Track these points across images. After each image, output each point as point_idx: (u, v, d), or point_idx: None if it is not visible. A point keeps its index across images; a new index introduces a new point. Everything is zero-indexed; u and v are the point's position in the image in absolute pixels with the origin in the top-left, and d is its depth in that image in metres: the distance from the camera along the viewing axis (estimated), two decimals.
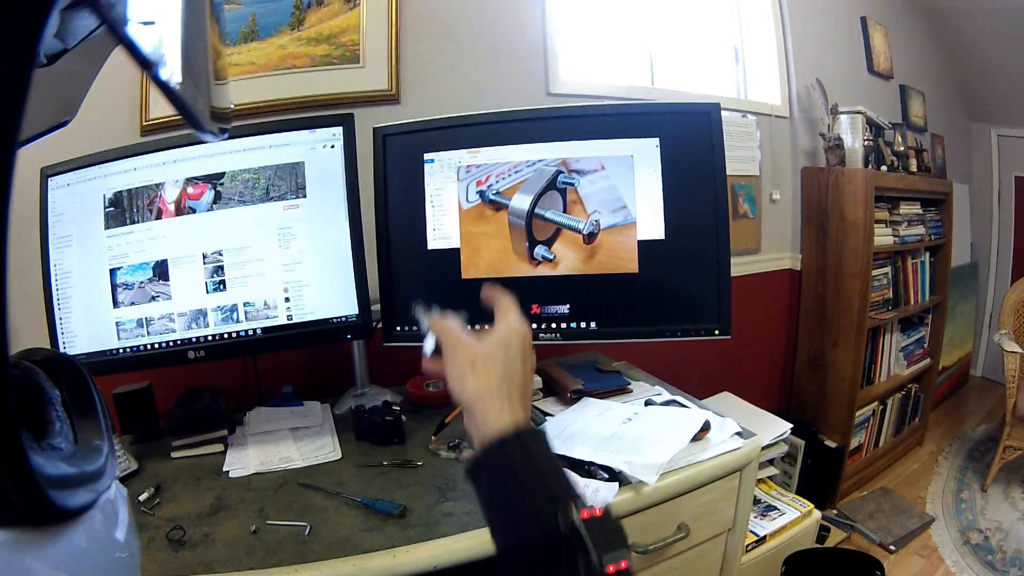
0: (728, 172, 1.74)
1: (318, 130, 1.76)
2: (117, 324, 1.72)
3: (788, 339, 3.67)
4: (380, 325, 1.89)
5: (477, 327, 0.91)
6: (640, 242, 1.73)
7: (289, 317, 1.75)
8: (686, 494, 1.60)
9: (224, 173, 1.72)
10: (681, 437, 1.63)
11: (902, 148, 3.73)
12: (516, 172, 1.77)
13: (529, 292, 1.75)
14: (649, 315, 1.75)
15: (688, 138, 1.74)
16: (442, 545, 1.32)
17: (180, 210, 1.72)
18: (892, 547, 3.11)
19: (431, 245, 1.82)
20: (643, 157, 1.73)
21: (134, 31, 0.34)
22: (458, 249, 1.80)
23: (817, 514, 2.65)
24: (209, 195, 1.72)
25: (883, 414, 3.82)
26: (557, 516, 0.68)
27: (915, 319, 4.05)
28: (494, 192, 1.77)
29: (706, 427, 1.69)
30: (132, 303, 1.72)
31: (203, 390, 1.85)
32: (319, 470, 1.64)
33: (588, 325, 1.77)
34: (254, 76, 2.19)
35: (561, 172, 1.74)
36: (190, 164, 1.73)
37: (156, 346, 1.73)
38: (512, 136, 1.78)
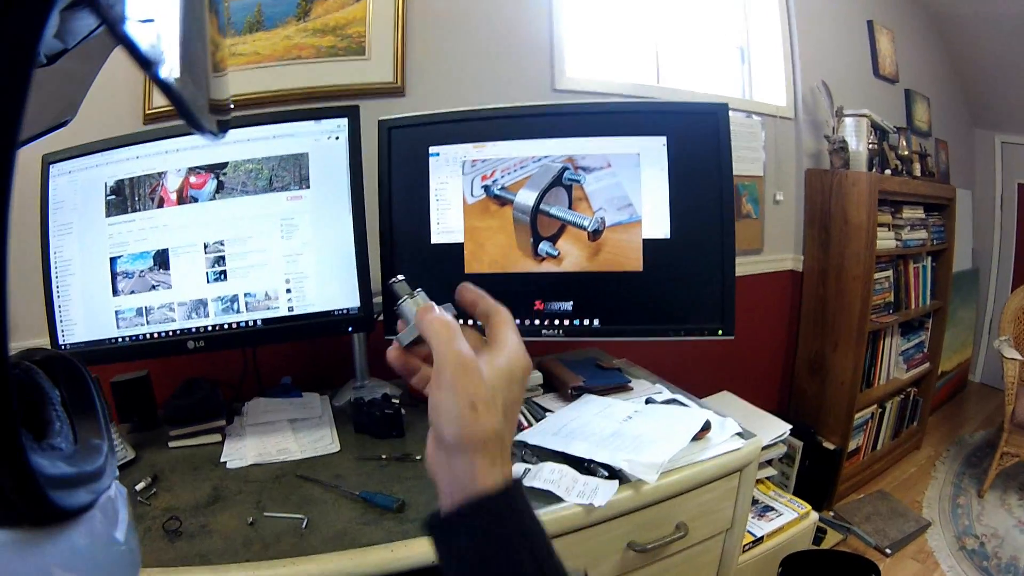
0: (733, 172, 1.74)
1: (323, 121, 1.75)
2: (116, 313, 1.71)
3: (788, 340, 3.67)
4: (381, 318, 1.89)
5: (470, 323, 0.74)
6: (645, 241, 1.73)
7: (290, 309, 1.75)
8: (686, 493, 1.60)
9: (227, 163, 1.71)
10: (682, 436, 1.63)
11: (906, 152, 3.73)
12: (522, 168, 1.76)
13: (533, 288, 1.75)
14: (652, 314, 1.74)
15: (695, 138, 1.73)
16: None
17: (182, 199, 1.71)
18: (888, 550, 3.11)
19: (435, 239, 1.81)
20: (650, 156, 1.72)
21: (133, 30, 0.34)
22: (462, 244, 1.80)
23: (814, 515, 2.66)
24: (212, 185, 1.71)
25: (881, 417, 3.82)
26: None
27: (915, 323, 4.05)
28: (499, 187, 1.76)
29: (707, 427, 1.68)
30: (132, 292, 1.71)
31: (202, 380, 1.84)
32: (317, 462, 1.63)
33: (591, 323, 1.77)
34: (259, 66, 2.18)
35: (567, 168, 1.74)
36: (193, 153, 1.72)
37: (155, 335, 1.72)
38: (518, 131, 1.77)
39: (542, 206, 1.73)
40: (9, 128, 0.29)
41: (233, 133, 1.70)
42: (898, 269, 3.71)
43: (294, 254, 1.74)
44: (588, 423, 1.68)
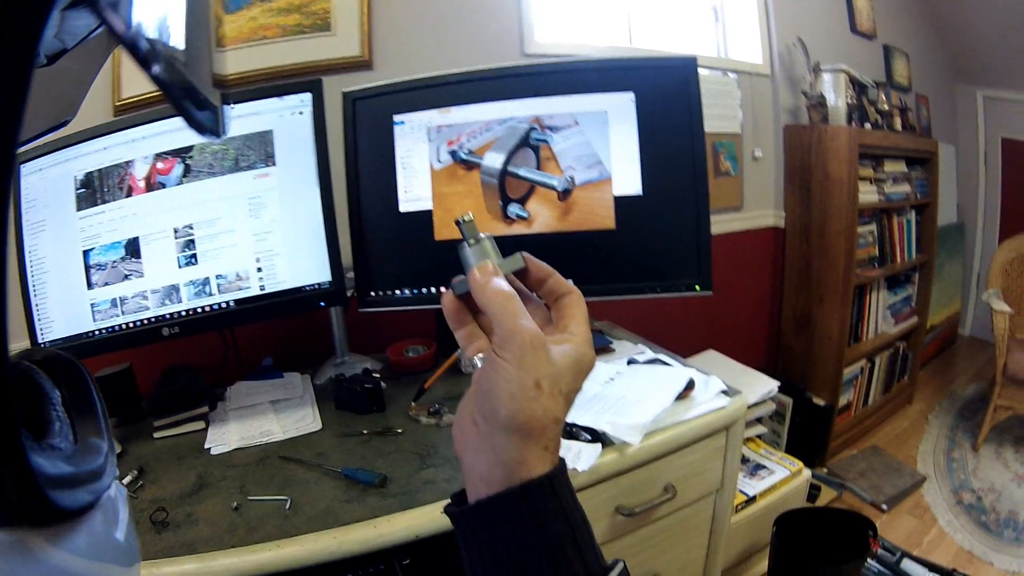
0: (709, 130, 1.72)
1: (286, 97, 1.74)
2: (92, 306, 1.70)
3: (773, 297, 3.68)
4: (353, 293, 1.88)
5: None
6: (617, 198, 1.71)
7: (262, 287, 1.74)
8: (672, 454, 1.59)
9: (193, 146, 1.70)
10: (665, 396, 1.62)
11: (886, 106, 3.72)
12: (488, 131, 1.74)
13: (505, 251, 1.70)
14: (628, 272, 1.73)
15: (664, 92, 1.71)
16: (423, 514, 1.32)
17: (150, 186, 1.70)
18: (884, 506, 3.11)
19: (403, 208, 1.80)
20: (618, 112, 1.70)
21: (133, 31, 0.34)
22: (430, 211, 1.78)
23: (807, 473, 2.66)
24: (178, 169, 1.70)
25: (871, 372, 3.82)
26: None
27: (902, 277, 4.05)
28: (466, 151, 1.74)
29: (690, 385, 1.68)
30: (106, 283, 1.70)
31: (182, 368, 1.84)
32: (300, 442, 1.63)
33: None
34: (225, 49, 2.15)
35: (534, 129, 1.72)
36: (159, 139, 1.70)
37: (131, 325, 1.71)
38: (483, 94, 1.76)
39: (510, 168, 1.71)
40: (9, 128, 0.29)
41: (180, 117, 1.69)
42: (882, 223, 3.70)
43: (263, 232, 1.73)
44: None
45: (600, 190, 1.71)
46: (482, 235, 0.64)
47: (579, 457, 1.45)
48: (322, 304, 1.80)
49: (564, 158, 1.72)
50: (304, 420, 1.72)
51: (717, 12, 3.37)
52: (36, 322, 1.69)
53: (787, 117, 3.46)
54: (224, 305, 1.73)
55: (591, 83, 1.72)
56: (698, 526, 1.80)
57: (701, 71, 1.72)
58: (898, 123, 3.87)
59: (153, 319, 1.71)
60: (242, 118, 1.72)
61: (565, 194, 1.71)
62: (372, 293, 1.83)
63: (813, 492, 2.86)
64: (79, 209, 1.69)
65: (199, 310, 1.72)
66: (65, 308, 1.70)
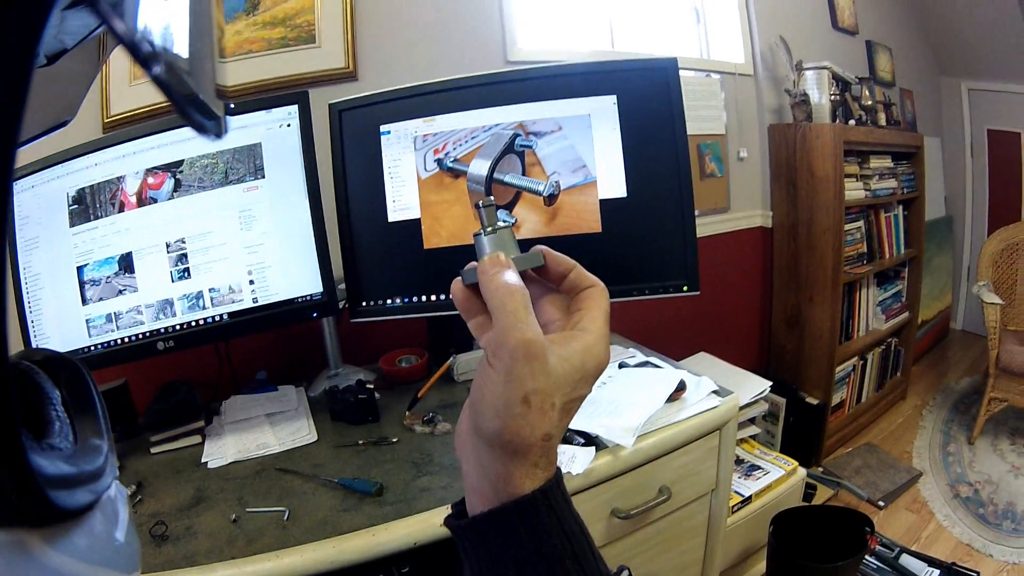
0: (693, 131, 1.73)
1: (273, 110, 1.75)
2: (87, 321, 1.70)
3: (763, 297, 3.69)
4: (345, 304, 1.89)
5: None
6: (602, 201, 1.72)
7: (255, 300, 1.74)
8: (665, 456, 1.61)
9: (183, 160, 1.70)
10: (656, 398, 1.63)
11: (870, 102, 3.73)
12: (473, 138, 1.75)
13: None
14: (616, 274, 1.73)
15: (646, 94, 1.72)
16: (420, 521, 1.32)
17: (142, 201, 1.70)
18: (881, 503, 3.12)
19: (392, 217, 1.80)
20: (601, 116, 1.71)
21: (134, 31, 0.33)
22: (419, 219, 1.79)
23: (802, 472, 2.66)
24: (169, 184, 1.70)
25: (863, 369, 3.84)
26: None
27: (891, 273, 4.06)
28: (452, 159, 1.75)
29: (681, 387, 1.69)
30: (100, 299, 1.70)
31: (178, 383, 1.84)
32: (296, 454, 1.64)
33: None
34: (227, 60, 2.16)
35: (518, 135, 1.73)
36: (149, 155, 1.71)
37: (126, 340, 1.71)
38: (467, 102, 1.76)
39: (496, 174, 1.72)
40: (9, 128, 0.28)
41: (186, 131, 1.69)
42: (869, 219, 3.71)
43: (254, 245, 1.73)
44: None
45: (585, 194, 1.72)
46: (501, 223, 0.60)
47: (573, 461, 1.46)
48: (314, 315, 1.81)
49: (549, 163, 1.73)
50: (300, 432, 1.73)
51: (699, 13, 3.38)
52: (32, 339, 1.69)
53: (771, 116, 3.47)
54: (218, 318, 1.73)
55: (574, 88, 1.73)
56: (694, 527, 1.80)
57: (684, 73, 1.73)
58: (883, 118, 3.89)
59: (148, 333, 1.71)
60: (231, 132, 1.71)
61: (551, 199, 1.72)
62: (363, 303, 1.84)
63: (809, 491, 2.87)
64: (72, 225, 1.69)
65: (193, 324, 1.73)
66: (60, 324, 1.70)
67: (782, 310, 3.59)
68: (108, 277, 1.70)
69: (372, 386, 1.78)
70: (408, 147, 1.78)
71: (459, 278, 0.60)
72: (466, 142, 1.75)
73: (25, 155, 1.66)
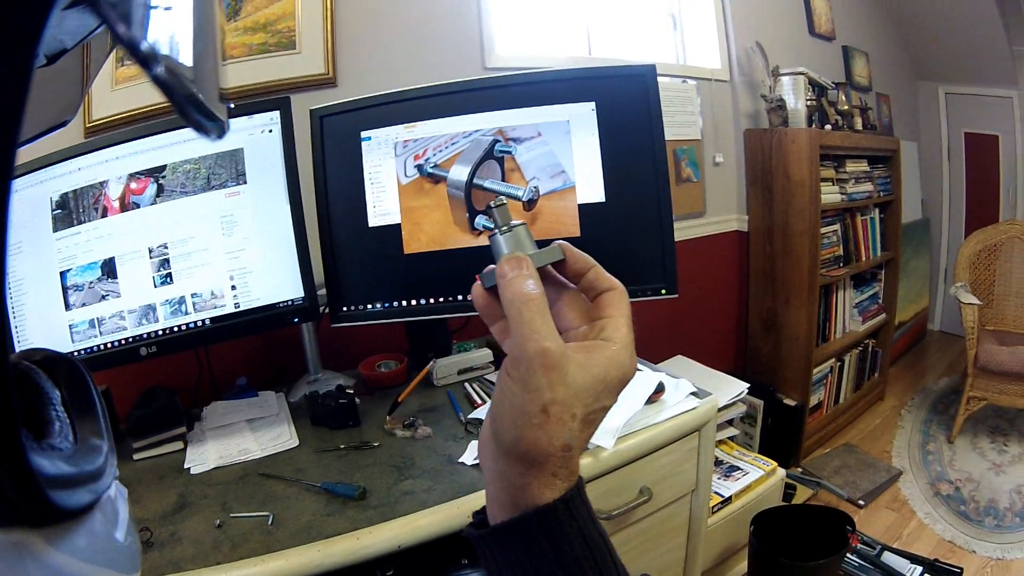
0: (670, 137, 1.75)
1: (255, 116, 1.74)
2: (70, 327, 1.70)
3: (740, 300, 3.72)
4: (326, 309, 1.90)
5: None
6: (581, 206, 1.74)
7: (236, 305, 1.74)
8: (645, 457, 1.62)
9: (166, 166, 1.70)
10: (636, 400, 1.65)
11: (846, 107, 3.77)
12: (453, 144, 1.76)
13: (473, 263, 1.71)
14: None
15: (625, 101, 1.74)
16: (404, 523, 1.33)
17: (125, 206, 1.69)
18: (861, 502, 3.15)
19: (372, 222, 1.81)
20: (580, 122, 1.73)
21: (134, 31, 0.34)
22: (399, 225, 1.80)
23: (781, 472, 2.68)
24: (152, 189, 1.70)
25: (841, 370, 3.87)
26: None
27: (868, 275, 4.11)
28: (432, 165, 1.76)
29: (660, 389, 1.70)
30: (83, 304, 1.69)
31: (159, 389, 1.82)
32: (278, 459, 1.63)
33: None
34: (228, 62, 2.16)
35: (498, 141, 1.74)
36: (132, 159, 1.70)
37: (109, 345, 1.70)
38: (448, 109, 1.77)
39: (475, 180, 1.73)
40: (9, 128, 0.29)
41: (169, 136, 1.70)
42: (845, 222, 3.75)
43: (236, 250, 1.73)
44: None
45: (564, 199, 1.74)
46: (515, 222, 0.58)
47: None
48: (295, 320, 1.81)
49: (528, 169, 1.74)
50: (281, 437, 1.72)
51: (675, 19, 3.41)
52: (16, 344, 1.68)
53: (747, 121, 3.51)
54: (200, 323, 1.73)
55: (552, 94, 1.75)
56: (676, 527, 1.82)
57: (660, 78, 1.75)
58: (859, 123, 3.93)
59: (131, 339, 1.70)
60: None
61: (530, 204, 1.73)
62: (344, 308, 1.84)
63: (789, 491, 2.89)
64: (56, 230, 1.69)
65: (176, 329, 1.72)
66: (44, 330, 1.69)
67: (758, 313, 3.62)
68: (91, 282, 1.69)
69: (352, 391, 1.78)
70: (389, 153, 1.79)
71: (478, 282, 0.58)
72: (446, 148, 1.76)
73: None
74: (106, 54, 0.67)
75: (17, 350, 1.48)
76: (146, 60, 0.33)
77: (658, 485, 1.66)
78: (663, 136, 1.73)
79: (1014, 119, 4.88)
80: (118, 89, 1.98)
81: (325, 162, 1.83)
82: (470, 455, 1.52)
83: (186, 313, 1.72)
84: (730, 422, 2.76)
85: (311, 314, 1.83)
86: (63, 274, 1.69)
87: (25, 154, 1.65)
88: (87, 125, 2.00)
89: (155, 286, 1.71)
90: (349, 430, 1.74)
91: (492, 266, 0.56)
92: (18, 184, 1.67)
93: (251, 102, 1.85)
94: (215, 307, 1.74)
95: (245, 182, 1.73)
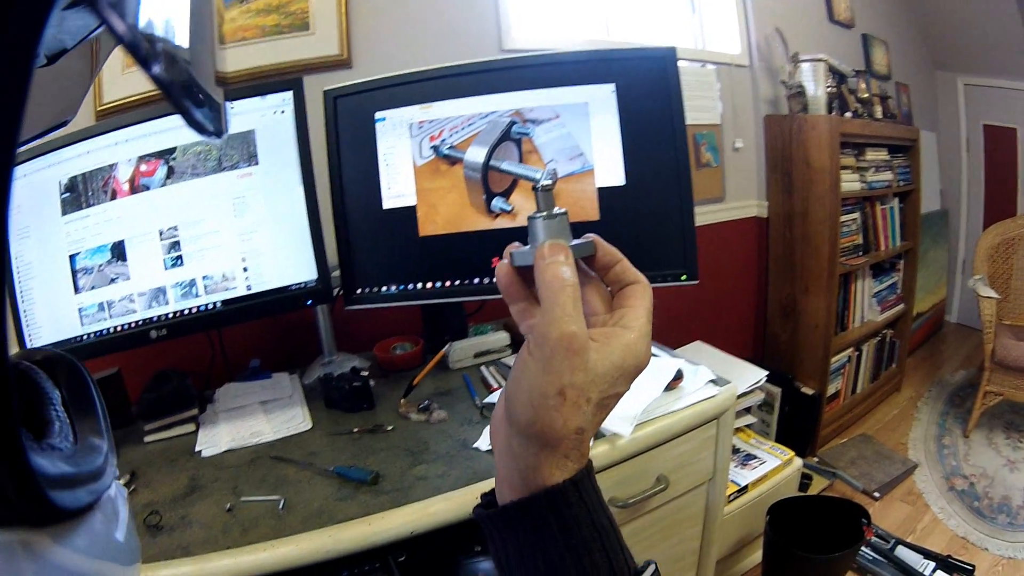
0: (689, 121, 1.72)
1: (267, 96, 1.73)
2: (80, 310, 1.69)
3: (759, 287, 3.69)
4: (340, 291, 1.88)
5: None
6: (600, 189, 1.71)
7: (248, 287, 1.73)
8: (663, 445, 1.60)
9: (176, 147, 1.69)
10: (654, 386, 1.63)
11: (866, 95, 3.73)
12: (469, 125, 1.74)
13: (490, 246, 1.73)
14: None
15: (645, 83, 1.71)
16: (417, 509, 1.31)
17: (134, 188, 1.69)
18: (876, 494, 3.12)
19: (386, 204, 1.79)
20: (599, 104, 1.70)
21: (133, 31, 0.34)
22: (414, 207, 1.78)
23: (798, 462, 2.67)
24: (162, 171, 1.69)
25: (859, 360, 3.84)
26: None
27: (886, 265, 4.07)
28: (448, 147, 1.74)
29: (679, 376, 1.68)
30: (93, 287, 1.69)
31: (171, 372, 1.82)
32: (290, 442, 1.63)
33: None
34: (226, 46, 2.15)
35: (515, 122, 1.71)
36: (142, 142, 1.69)
37: (119, 328, 1.70)
38: (464, 89, 1.75)
39: (492, 162, 1.70)
40: (9, 128, 0.29)
41: (178, 117, 1.68)
42: (865, 211, 3.71)
43: (248, 232, 1.72)
44: None
45: (583, 182, 1.71)
46: (558, 209, 0.59)
47: None
48: (309, 303, 1.79)
49: (546, 151, 1.71)
50: (294, 420, 1.72)
51: (694, 3, 3.37)
52: (24, 328, 1.68)
53: (767, 107, 3.47)
54: (211, 306, 1.72)
55: (571, 76, 1.72)
56: (691, 516, 1.80)
57: (680, 62, 1.72)
58: (879, 111, 3.89)
59: (141, 322, 1.70)
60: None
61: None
62: (358, 290, 1.83)
63: (804, 481, 2.87)
64: (64, 213, 1.68)
65: (186, 312, 1.71)
66: (52, 313, 1.69)
67: (777, 300, 3.59)
68: (100, 265, 1.68)
69: (367, 374, 1.77)
70: (404, 134, 1.77)
71: (505, 260, 0.59)
72: (462, 129, 1.74)
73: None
74: (107, 53, 0.66)
75: (26, 335, 1.49)
76: (146, 60, 0.34)
77: (675, 474, 1.65)
78: (684, 120, 1.70)
79: None
80: (129, 72, 1.97)
81: (339, 143, 1.81)
82: (485, 441, 1.51)
83: (197, 296, 1.72)
84: (748, 410, 2.75)
85: (324, 297, 1.81)
86: (72, 257, 1.68)
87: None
88: (98, 108, 2.00)
89: (165, 268, 1.70)
90: (363, 413, 1.73)
91: (521, 245, 0.58)
92: (26, 168, 1.67)
93: (263, 83, 1.84)
94: (226, 289, 1.73)
95: (257, 163, 1.72)
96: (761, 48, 3.36)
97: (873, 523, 2.37)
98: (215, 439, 1.66)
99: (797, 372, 3.44)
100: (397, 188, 1.78)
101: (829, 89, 3.34)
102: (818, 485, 3.13)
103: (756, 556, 2.59)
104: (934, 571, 2.52)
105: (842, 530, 2.30)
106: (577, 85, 1.71)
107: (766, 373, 2.68)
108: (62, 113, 0.70)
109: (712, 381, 1.71)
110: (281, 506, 1.34)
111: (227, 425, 1.72)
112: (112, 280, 1.69)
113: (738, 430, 2.72)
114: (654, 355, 1.82)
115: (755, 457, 2.62)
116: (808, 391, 3.29)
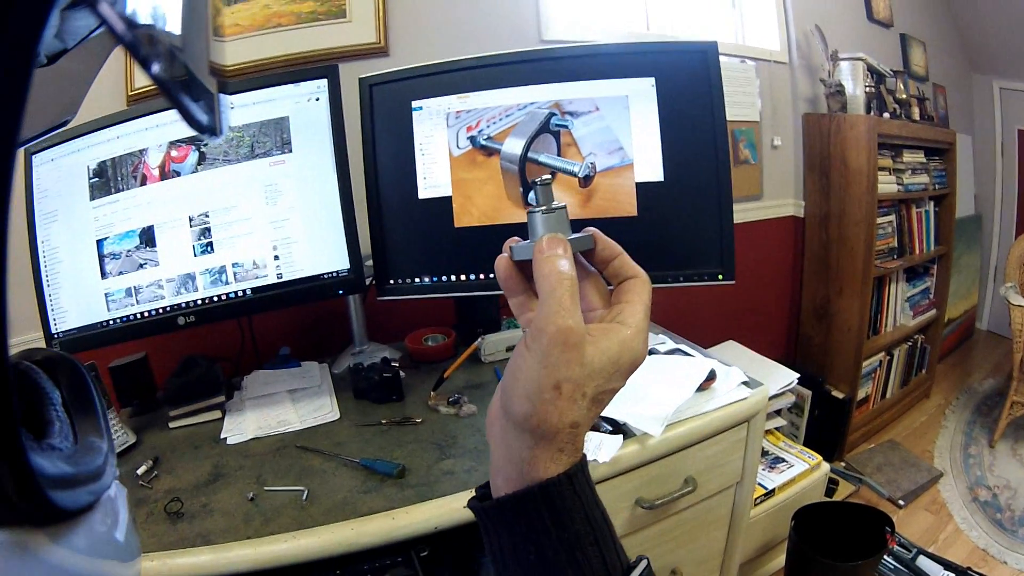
0: (728, 117, 1.69)
1: (302, 84, 1.72)
2: (106, 295, 1.69)
3: (793, 287, 3.66)
4: (372, 280, 1.86)
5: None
6: (638, 184, 1.68)
7: (279, 275, 1.72)
8: (693, 446, 1.59)
9: None
10: (686, 387, 1.61)
11: (904, 96, 3.68)
12: (507, 116, 1.72)
13: (526, 239, 1.68)
14: (650, 260, 1.68)
15: (685, 77, 1.68)
16: (442, 505, 1.31)
17: (164, 174, 1.69)
18: (901, 502, 3.09)
19: (422, 195, 1.77)
20: (639, 97, 1.67)
21: (134, 31, 0.34)
22: (450, 197, 1.76)
23: (826, 467, 2.65)
24: (193, 157, 1.69)
25: (890, 365, 3.79)
26: None
27: (920, 269, 4.02)
28: (485, 137, 1.72)
29: (711, 376, 1.67)
30: (120, 273, 1.69)
31: (199, 358, 1.83)
32: (317, 431, 1.63)
33: None
34: (240, 37, 2.16)
35: (554, 114, 1.69)
36: (173, 127, 1.69)
37: (146, 314, 1.70)
38: (502, 80, 1.73)
39: (530, 154, 1.68)
40: (9, 128, 0.29)
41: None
42: (900, 214, 3.66)
43: (280, 220, 1.71)
44: None
45: (621, 176, 1.68)
46: (557, 204, 0.59)
47: (600, 448, 1.44)
48: (340, 292, 1.78)
49: (585, 144, 1.69)
50: (322, 409, 1.72)
51: None
52: (49, 312, 1.68)
53: (805, 105, 3.43)
54: (241, 293, 1.71)
55: (611, 68, 1.69)
56: (718, 519, 1.79)
57: (720, 57, 1.69)
58: (916, 113, 3.85)
59: (169, 308, 1.70)
60: (257, 105, 1.70)
61: (587, 180, 1.68)
62: (391, 281, 1.81)
63: (831, 486, 2.84)
64: (92, 198, 1.68)
65: (215, 299, 1.71)
66: (79, 298, 1.69)
67: (811, 301, 3.55)
68: (129, 251, 1.68)
69: (397, 364, 1.77)
70: (440, 124, 1.75)
71: (504, 254, 0.60)
72: (500, 120, 1.72)
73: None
74: (107, 53, 0.66)
75: (51, 318, 1.50)
76: (146, 59, 0.34)
77: (703, 475, 1.63)
78: (724, 115, 1.67)
79: None
80: None
81: (374, 132, 1.80)
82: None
83: (226, 283, 1.71)
84: (778, 412, 2.72)
85: (357, 286, 1.80)
86: (100, 242, 1.69)
87: None
88: (129, 93, 2.01)
89: (195, 255, 1.70)
90: (392, 404, 1.73)
91: (520, 240, 0.60)
92: (54, 152, 1.68)
93: (297, 70, 1.83)
94: (256, 277, 1.72)
95: (290, 151, 1.71)
96: (800, 45, 3.32)
97: (896, 532, 2.35)
98: (241, 426, 1.66)
99: (828, 375, 3.41)
100: (433, 178, 1.76)
101: (868, 89, 3.30)
102: (844, 490, 3.09)
103: (779, 560, 2.56)
104: None
105: (865, 537, 2.27)
106: (617, 78, 1.68)
107: (797, 376, 2.65)
108: (62, 113, 0.71)
109: (744, 383, 1.68)
110: (304, 497, 1.34)
111: (254, 413, 1.72)
112: (140, 266, 1.69)
113: (768, 432, 2.70)
114: (687, 354, 1.80)
115: (783, 460, 2.60)
116: (839, 395, 3.25)
